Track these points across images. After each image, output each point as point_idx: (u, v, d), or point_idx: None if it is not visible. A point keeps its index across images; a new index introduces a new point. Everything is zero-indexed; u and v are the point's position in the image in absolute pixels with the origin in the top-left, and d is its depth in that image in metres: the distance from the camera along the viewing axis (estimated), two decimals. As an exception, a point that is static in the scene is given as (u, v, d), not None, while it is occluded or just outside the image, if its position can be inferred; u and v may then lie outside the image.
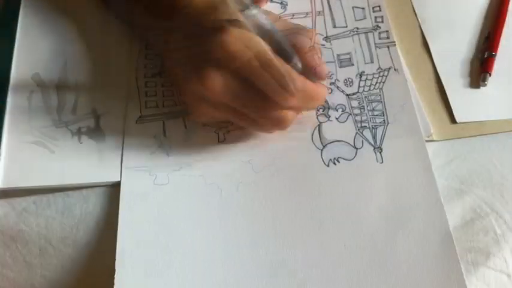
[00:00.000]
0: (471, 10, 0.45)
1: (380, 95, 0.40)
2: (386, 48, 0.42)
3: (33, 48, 0.42)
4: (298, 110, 0.36)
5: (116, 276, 0.33)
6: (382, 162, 0.37)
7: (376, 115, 0.39)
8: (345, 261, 0.34)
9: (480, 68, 0.42)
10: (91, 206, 0.37)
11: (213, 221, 0.35)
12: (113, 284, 0.33)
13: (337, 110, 0.40)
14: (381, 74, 0.41)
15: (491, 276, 0.34)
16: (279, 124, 0.35)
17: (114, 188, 0.37)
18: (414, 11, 0.45)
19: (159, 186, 0.36)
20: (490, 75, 0.41)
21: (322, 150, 0.38)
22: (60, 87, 0.40)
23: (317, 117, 0.39)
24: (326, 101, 0.40)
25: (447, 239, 0.34)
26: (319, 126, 0.39)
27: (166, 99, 0.40)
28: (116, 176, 0.37)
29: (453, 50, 0.43)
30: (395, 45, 0.42)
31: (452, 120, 0.40)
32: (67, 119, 0.39)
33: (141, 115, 0.39)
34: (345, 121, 0.39)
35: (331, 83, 0.41)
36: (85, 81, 0.40)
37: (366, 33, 0.43)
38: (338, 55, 0.42)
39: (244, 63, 0.32)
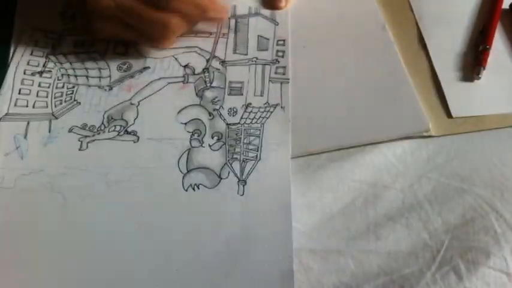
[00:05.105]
0: (467, 4, 0.45)
1: (260, 129, 0.39)
2: (279, 84, 0.41)
3: None
4: (183, 16, 0.39)
5: None
6: (243, 194, 0.36)
7: (251, 149, 0.38)
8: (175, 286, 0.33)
9: (474, 62, 0.41)
10: None
11: (53, 231, 0.34)
12: None
13: (212, 138, 0.39)
14: (267, 109, 0.40)
15: (491, 276, 0.33)
16: (164, 29, 0.39)
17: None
18: (411, 8, 0.45)
19: (4, 189, 0.36)
20: (484, 68, 0.40)
21: (185, 174, 0.37)
22: None
23: (190, 142, 0.38)
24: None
25: (287, 276, 0.33)
26: (190, 150, 0.38)
27: (39, 99, 0.39)
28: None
29: (449, 45, 0.42)
30: (288, 82, 0.41)
31: (449, 115, 0.39)
32: None
33: (7, 113, 0.38)
34: (218, 150, 0.38)
35: (215, 109, 0.40)
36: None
37: (263, 64, 0.42)
38: (230, 82, 0.41)
39: None
